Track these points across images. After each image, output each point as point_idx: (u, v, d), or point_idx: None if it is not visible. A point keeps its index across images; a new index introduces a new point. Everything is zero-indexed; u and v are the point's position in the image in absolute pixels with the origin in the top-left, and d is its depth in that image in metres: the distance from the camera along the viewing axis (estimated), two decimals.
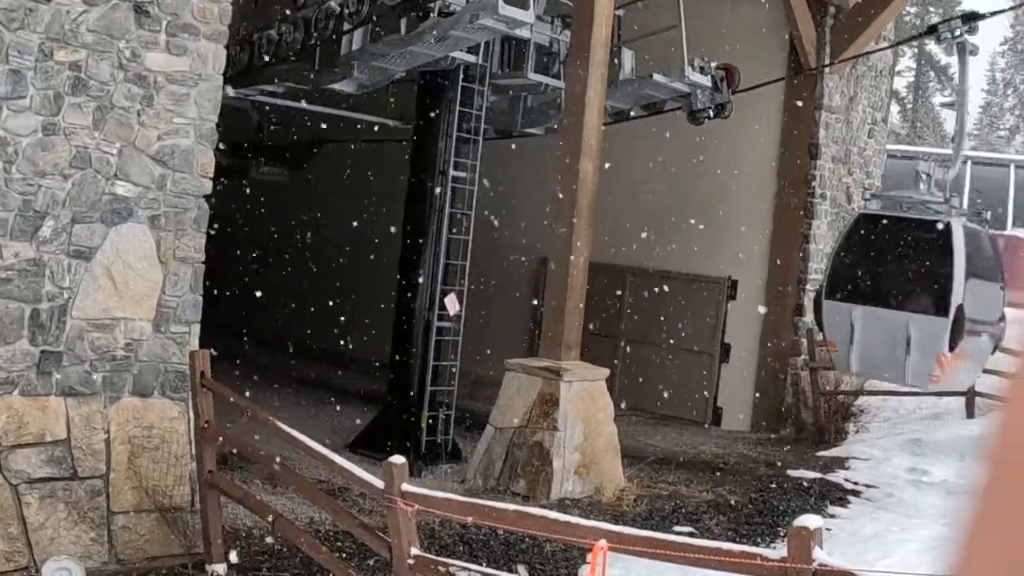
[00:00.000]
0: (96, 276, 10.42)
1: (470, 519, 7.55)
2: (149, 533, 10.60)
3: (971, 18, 16.05)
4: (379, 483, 7.93)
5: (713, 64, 19.15)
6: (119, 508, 10.45)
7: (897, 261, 15.35)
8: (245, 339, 23.06)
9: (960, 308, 14.46)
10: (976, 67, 79.06)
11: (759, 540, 13.64)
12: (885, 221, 15.53)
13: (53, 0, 9.97)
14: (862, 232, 15.86)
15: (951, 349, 14.55)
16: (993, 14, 17.15)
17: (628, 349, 23.43)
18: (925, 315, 14.73)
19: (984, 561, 0.93)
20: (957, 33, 15.97)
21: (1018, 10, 20.50)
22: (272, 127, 23.88)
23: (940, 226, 14.76)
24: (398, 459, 7.81)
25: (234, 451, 11.34)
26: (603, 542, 6.50)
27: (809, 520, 6.27)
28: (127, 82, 10.50)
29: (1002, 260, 16.65)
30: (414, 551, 7.86)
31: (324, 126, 22.34)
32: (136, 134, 10.61)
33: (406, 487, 7.70)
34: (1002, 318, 16.40)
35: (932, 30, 16.37)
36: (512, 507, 7.41)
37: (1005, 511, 0.93)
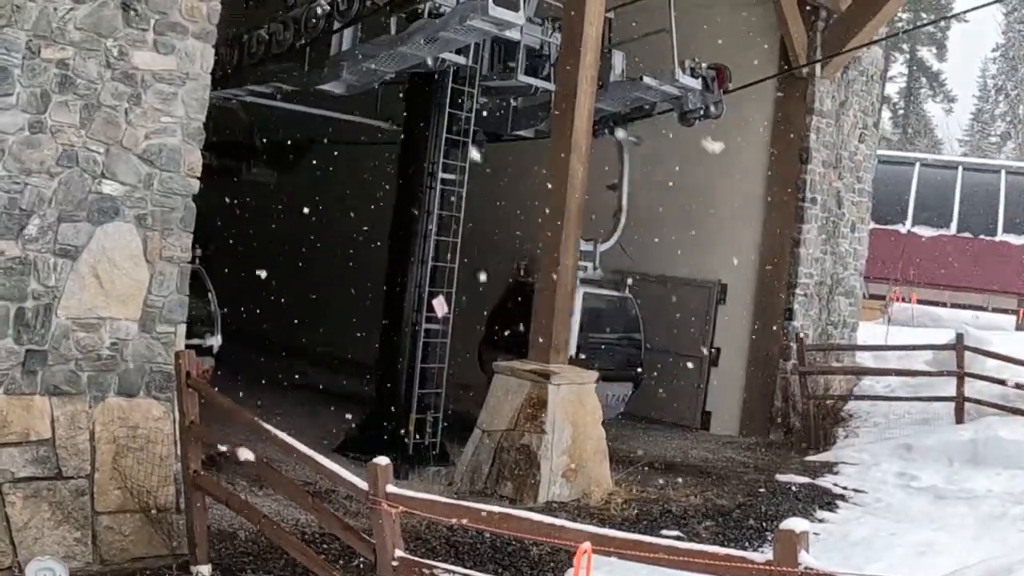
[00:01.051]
0: (82, 275, 10.38)
1: (454, 521, 7.52)
2: (134, 534, 10.55)
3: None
4: (363, 484, 7.89)
5: (704, 64, 19.15)
6: (103, 508, 10.41)
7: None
8: (233, 340, 22.99)
9: (576, 356, 18.19)
10: (968, 73, 79.44)
11: (747, 544, 13.62)
12: (527, 286, 18.61)
13: None
14: (512, 294, 20.02)
15: None
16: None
17: None
18: None
19: None
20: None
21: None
22: (262, 128, 23.86)
23: None
24: (382, 460, 7.78)
25: (221, 453, 11.28)
26: (587, 544, 6.48)
27: (795, 524, 6.25)
28: (114, 80, 10.46)
29: (640, 321, 20.86)
30: (398, 553, 7.83)
31: (314, 127, 22.33)
32: (123, 133, 10.57)
33: (390, 488, 7.67)
34: (640, 365, 20.54)
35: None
36: (497, 509, 7.38)
37: None
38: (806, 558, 6.08)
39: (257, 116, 22.16)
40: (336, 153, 25.80)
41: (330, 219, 26.24)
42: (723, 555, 6.41)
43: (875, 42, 24.48)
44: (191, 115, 11.14)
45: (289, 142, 25.05)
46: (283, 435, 9.18)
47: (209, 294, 16.57)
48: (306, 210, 25.13)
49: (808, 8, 21.69)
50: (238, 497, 10.62)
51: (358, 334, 23.34)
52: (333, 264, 26.21)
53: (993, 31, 77.67)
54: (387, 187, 18.26)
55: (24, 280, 10.00)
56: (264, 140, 24.40)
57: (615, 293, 20.21)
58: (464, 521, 7.71)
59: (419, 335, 16.72)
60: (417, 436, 16.61)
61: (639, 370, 20.45)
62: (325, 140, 24.61)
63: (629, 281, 20.17)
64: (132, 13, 10.53)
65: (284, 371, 22.46)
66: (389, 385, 16.89)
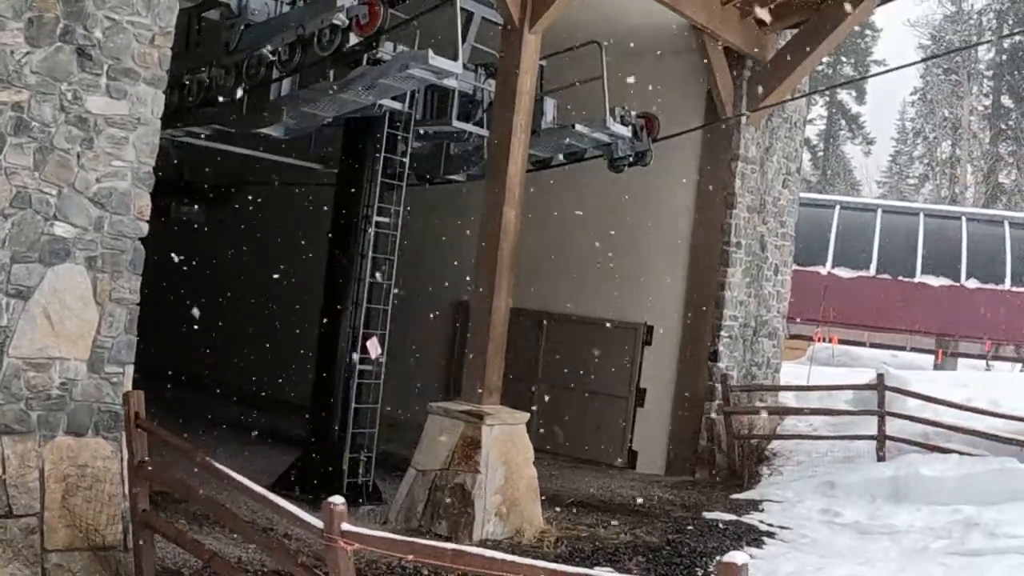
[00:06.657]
0: (33, 315, 10.52)
1: (410, 556, 7.76)
2: (83, 571, 10.64)
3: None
4: (318, 523, 8.12)
5: (633, 113, 19.52)
6: (53, 546, 10.51)
7: None
8: (168, 381, 23.05)
9: None
10: (887, 116, 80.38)
11: None
12: None
13: None
14: None
15: None
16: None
17: (546, 393, 23.57)
18: None
19: None
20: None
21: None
22: (192, 166, 23.92)
23: None
24: (338, 499, 8.00)
25: (164, 491, 11.44)
26: None
27: (736, 557, 6.54)
28: (68, 124, 10.63)
29: None
30: None
31: (246, 167, 22.42)
32: (76, 176, 10.74)
33: (346, 527, 7.91)
34: None
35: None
36: (451, 546, 7.62)
37: None
38: None
39: (187, 154, 22.24)
40: (269, 193, 25.91)
41: (263, 259, 26.32)
42: None
43: (802, 96, 25.04)
44: (141, 159, 11.35)
45: (221, 181, 25.15)
46: (238, 476, 9.37)
47: None
48: (238, 250, 25.25)
49: (735, 57, 22.13)
50: (186, 535, 10.80)
51: (292, 374, 23.51)
52: (266, 304, 26.29)
53: (912, 75, 78.89)
54: (321, 228, 18.41)
55: None
56: (194, 178, 24.48)
57: None
58: (412, 557, 7.95)
59: (353, 376, 16.85)
60: (351, 475, 16.77)
61: None
62: (257, 180, 24.73)
63: None
64: (87, 58, 10.73)
65: (217, 410, 22.55)
66: (323, 425, 16.98)
